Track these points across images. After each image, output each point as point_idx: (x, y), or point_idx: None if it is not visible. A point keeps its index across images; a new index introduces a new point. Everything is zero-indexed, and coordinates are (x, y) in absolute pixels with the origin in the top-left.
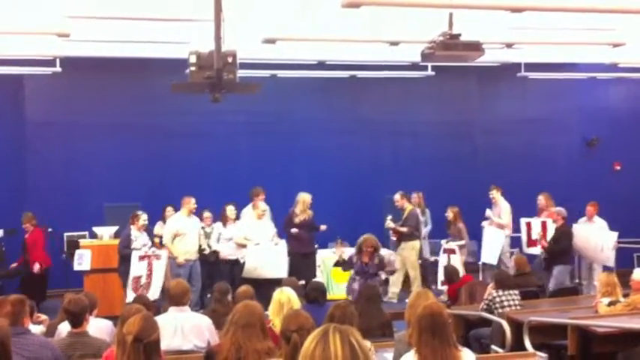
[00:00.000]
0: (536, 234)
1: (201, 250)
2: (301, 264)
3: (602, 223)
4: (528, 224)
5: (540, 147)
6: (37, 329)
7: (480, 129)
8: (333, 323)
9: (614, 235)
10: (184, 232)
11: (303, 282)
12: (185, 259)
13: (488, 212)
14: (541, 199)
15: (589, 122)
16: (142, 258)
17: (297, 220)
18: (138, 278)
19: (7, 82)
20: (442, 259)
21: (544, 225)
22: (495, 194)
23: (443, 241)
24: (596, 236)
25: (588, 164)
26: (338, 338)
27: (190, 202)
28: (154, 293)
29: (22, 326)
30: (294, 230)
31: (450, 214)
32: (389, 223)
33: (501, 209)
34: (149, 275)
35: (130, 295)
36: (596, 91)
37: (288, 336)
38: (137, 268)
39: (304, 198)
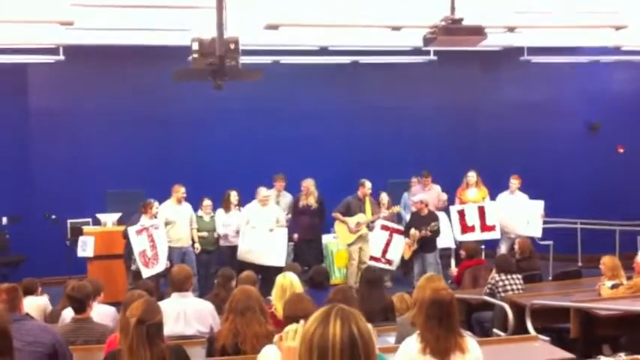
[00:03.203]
0: (472, 220)
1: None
2: (303, 250)
3: (524, 196)
4: (461, 212)
5: (543, 131)
6: (43, 300)
7: (482, 113)
8: (337, 305)
9: (540, 204)
10: (174, 219)
11: (306, 268)
12: (178, 246)
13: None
14: (474, 176)
15: (592, 106)
16: (139, 232)
17: (300, 205)
18: (143, 252)
19: (11, 70)
20: (381, 235)
21: (481, 210)
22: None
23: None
24: (522, 209)
25: (591, 148)
26: (338, 322)
27: (179, 191)
28: (164, 262)
29: (19, 313)
30: (294, 236)
31: (384, 198)
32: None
33: (439, 192)
34: (153, 246)
35: (145, 272)
36: (599, 75)
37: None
38: (138, 242)
39: (305, 183)
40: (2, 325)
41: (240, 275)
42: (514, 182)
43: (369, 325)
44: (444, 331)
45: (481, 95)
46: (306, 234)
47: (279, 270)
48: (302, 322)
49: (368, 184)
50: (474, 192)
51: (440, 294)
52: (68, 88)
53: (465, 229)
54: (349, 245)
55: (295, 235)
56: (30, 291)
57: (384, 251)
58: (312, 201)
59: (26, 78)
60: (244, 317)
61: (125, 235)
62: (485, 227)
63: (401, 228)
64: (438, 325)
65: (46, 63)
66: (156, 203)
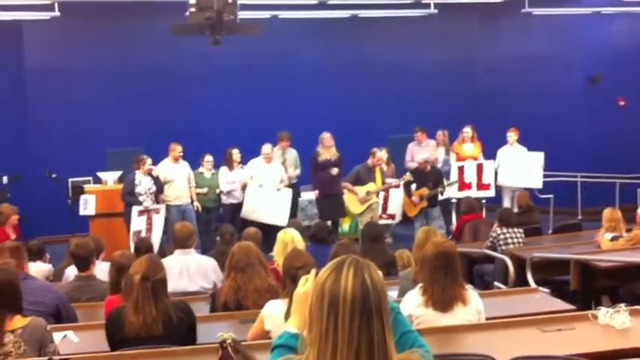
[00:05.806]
0: (470, 177)
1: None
2: (325, 205)
3: (523, 149)
4: (461, 168)
5: (544, 84)
6: (47, 267)
7: (483, 67)
8: (352, 255)
9: (540, 155)
10: (172, 178)
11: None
12: (177, 204)
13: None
14: (469, 131)
15: (593, 58)
16: (141, 213)
17: (320, 159)
18: (138, 232)
19: (6, 28)
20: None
21: (480, 168)
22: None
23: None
24: (522, 161)
25: (592, 101)
26: (351, 271)
27: (175, 150)
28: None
29: (22, 271)
30: (334, 170)
31: (384, 155)
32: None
33: (434, 149)
34: (149, 229)
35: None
36: (600, 27)
37: (294, 274)
38: (137, 222)
39: (321, 137)
40: (13, 281)
41: (244, 232)
42: (511, 135)
43: None
44: (449, 281)
45: (481, 48)
46: (327, 188)
47: (281, 227)
48: (313, 270)
49: (379, 154)
50: (470, 147)
51: (443, 246)
52: (64, 44)
53: (462, 185)
54: (359, 215)
55: (316, 192)
56: (39, 256)
57: (385, 208)
58: (333, 153)
59: (21, 35)
60: (245, 273)
61: (125, 201)
62: (481, 185)
63: (398, 183)
64: (445, 276)
65: (41, 20)
66: (149, 160)
